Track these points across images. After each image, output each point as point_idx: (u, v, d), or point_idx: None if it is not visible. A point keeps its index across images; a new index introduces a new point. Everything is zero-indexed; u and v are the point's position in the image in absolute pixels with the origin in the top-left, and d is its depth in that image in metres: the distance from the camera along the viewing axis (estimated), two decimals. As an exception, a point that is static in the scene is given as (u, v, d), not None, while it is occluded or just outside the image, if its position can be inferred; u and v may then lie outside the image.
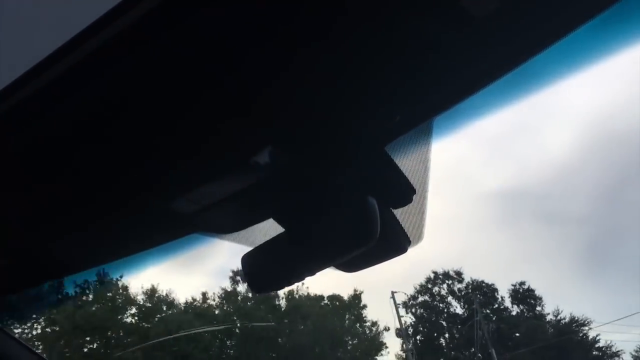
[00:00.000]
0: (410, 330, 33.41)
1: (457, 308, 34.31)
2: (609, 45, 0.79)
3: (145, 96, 0.69)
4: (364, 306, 30.11)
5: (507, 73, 0.79)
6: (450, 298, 34.61)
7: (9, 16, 0.65)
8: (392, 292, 29.12)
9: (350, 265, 1.04)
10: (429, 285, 34.92)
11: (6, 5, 0.65)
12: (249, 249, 1.01)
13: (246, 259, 1.00)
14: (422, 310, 34.70)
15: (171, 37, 0.60)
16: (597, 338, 30.48)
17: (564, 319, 32.05)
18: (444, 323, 34.05)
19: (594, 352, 30.56)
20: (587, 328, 30.91)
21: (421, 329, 34.05)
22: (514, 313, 33.65)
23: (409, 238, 1.04)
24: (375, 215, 0.86)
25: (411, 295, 34.64)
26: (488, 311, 33.26)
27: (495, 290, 34.34)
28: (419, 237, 1.06)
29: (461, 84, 0.82)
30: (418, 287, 34.77)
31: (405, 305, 34.04)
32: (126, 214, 0.99)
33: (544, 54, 0.76)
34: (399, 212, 1.01)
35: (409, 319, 34.08)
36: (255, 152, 0.84)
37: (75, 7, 0.60)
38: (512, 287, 34.00)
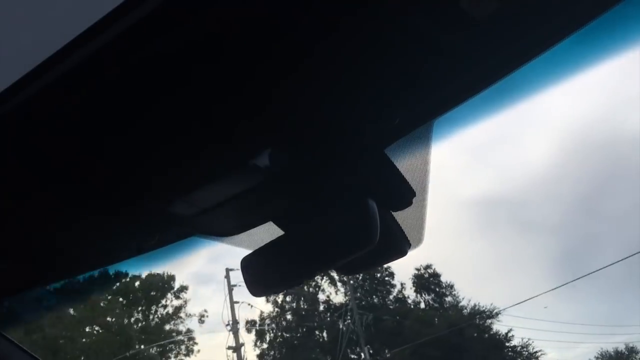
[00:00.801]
0: (267, 324, 26.57)
1: (333, 295, 27.04)
2: (595, 54, 0.80)
3: (144, 98, 0.69)
4: (182, 288, 23.82)
5: (506, 75, 0.79)
6: (323, 281, 26.84)
7: (9, 17, 0.65)
8: (227, 270, 20.56)
9: (350, 268, 1.04)
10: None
11: (6, 6, 0.65)
12: (248, 251, 1.01)
13: (245, 262, 1.00)
14: (288, 299, 27.24)
15: (171, 39, 0.59)
16: (510, 335, 24.71)
17: (465, 308, 25.81)
18: (322, 315, 26.89)
19: (507, 352, 24.68)
20: (490, 321, 24.83)
21: (292, 323, 26.77)
22: (422, 305, 26.75)
23: (408, 241, 1.04)
24: (375, 218, 0.85)
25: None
26: (376, 300, 26.98)
27: (392, 274, 27.49)
28: (419, 240, 1.06)
29: (461, 86, 0.82)
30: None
31: (266, 293, 27.03)
32: (126, 217, 0.99)
33: (543, 57, 0.76)
34: (398, 215, 1.00)
35: (263, 309, 26.91)
36: (254, 155, 0.84)
37: (75, 8, 0.60)
38: (416, 272, 27.32)
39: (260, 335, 26.56)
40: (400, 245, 1.02)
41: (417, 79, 0.79)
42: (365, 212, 0.86)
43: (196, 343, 23.71)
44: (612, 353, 28.68)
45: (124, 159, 0.80)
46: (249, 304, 21.75)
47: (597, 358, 28.47)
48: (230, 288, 20.27)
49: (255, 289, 1.00)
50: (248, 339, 26.10)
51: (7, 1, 0.65)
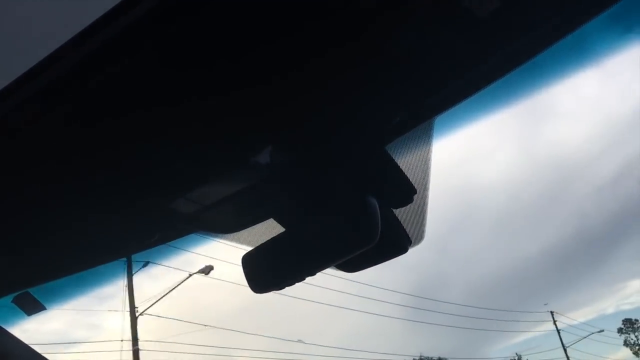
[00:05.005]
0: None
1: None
2: (596, 51, 0.79)
3: (144, 96, 0.69)
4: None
5: (508, 73, 0.79)
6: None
7: (9, 16, 0.65)
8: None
9: (351, 265, 1.04)
10: None
11: (6, 6, 0.65)
12: (249, 248, 1.01)
13: (246, 259, 1.00)
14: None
15: (171, 37, 0.59)
16: None
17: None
18: None
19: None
20: None
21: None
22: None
23: (409, 238, 1.04)
24: (376, 215, 0.85)
25: None
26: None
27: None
28: (420, 237, 1.06)
29: (462, 84, 0.82)
30: None
31: None
32: (126, 214, 0.99)
33: (544, 54, 0.76)
34: (399, 212, 1.01)
35: None
36: (255, 152, 0.84)
37: (75, 7, 0.60)
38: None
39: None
40: (401, 242, 1.02)
41: (418, 77, 0.79)
42: (366, 209, 0.86)
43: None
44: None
45: (125, 156, 0.80)
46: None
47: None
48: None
49: (257, 285, 1.00)
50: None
51: (7, 1, 0.65)
